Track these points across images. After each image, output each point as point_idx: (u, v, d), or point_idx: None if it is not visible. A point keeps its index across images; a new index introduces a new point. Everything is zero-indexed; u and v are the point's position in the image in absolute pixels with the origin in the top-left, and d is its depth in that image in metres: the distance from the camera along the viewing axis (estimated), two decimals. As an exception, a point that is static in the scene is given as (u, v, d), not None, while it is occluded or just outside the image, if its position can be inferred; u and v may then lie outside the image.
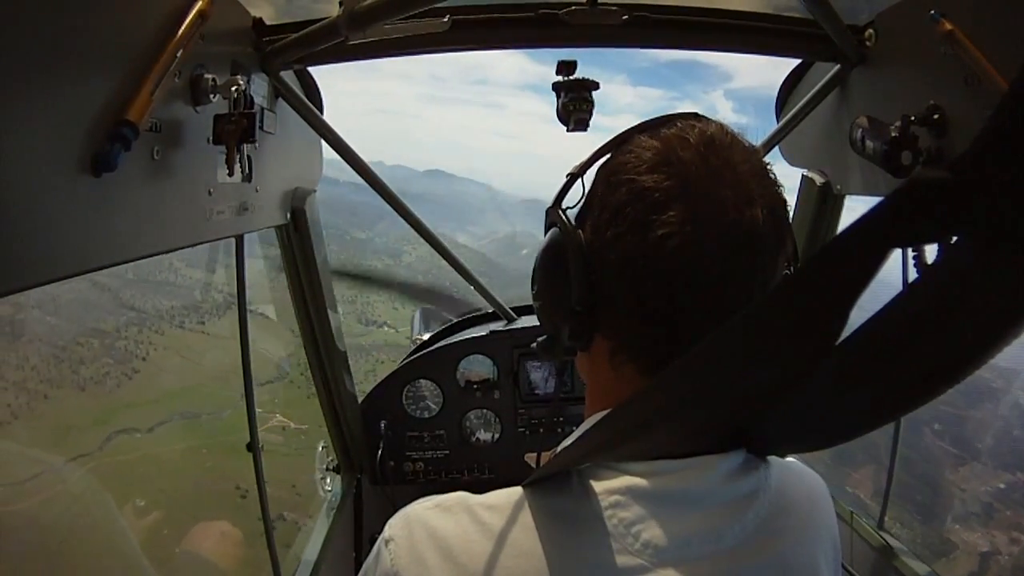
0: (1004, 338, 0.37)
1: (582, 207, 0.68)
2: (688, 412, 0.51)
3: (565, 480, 0.62)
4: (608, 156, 0.66)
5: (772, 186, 0.61)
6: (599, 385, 0.69)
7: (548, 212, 0.70)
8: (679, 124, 0.63)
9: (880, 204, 0.35)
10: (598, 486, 0.60)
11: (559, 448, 0.66)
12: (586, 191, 0.68)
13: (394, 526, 0.66)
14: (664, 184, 0.58)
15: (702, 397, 0.49)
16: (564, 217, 0.67)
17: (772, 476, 0.64)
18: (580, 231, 0.65)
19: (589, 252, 0.63)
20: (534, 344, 0.78)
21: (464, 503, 0.64)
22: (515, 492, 0.63)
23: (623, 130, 0.67)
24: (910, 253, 1.09)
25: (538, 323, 0.75)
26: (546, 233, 0.70)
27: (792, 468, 0.70)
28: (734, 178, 0.58)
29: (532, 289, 0.72)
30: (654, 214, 0.57)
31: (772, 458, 0.66)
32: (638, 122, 0.67)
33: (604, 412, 0.64)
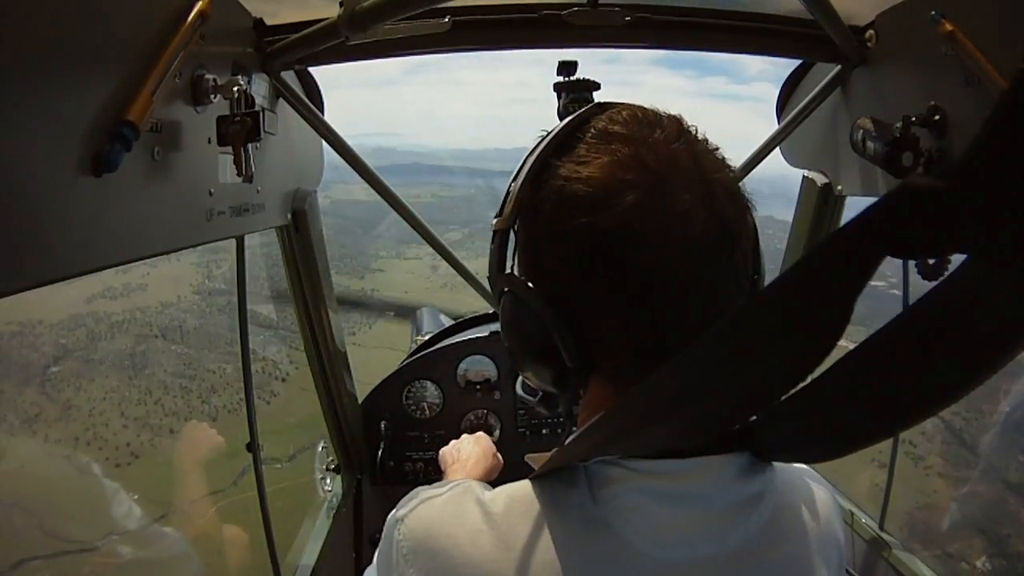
0: (1010, 351, 0.36)
1: (525, 262, 0.64)
2: (685, 408, 0.50)
3: (573, 476, 0.62)
4: (528, 198, 0.62)
5: (719, 169, 0.61)
6: (597, 396, 0.68)
7: (493, 280, 0.66)
8: (595, 141, 0.60)
9: (871, 208, 0.34)
10: (607, 483, 0.60)
11: (566, 443, 0.66)
12: (520, 243, 0.64)
13: (403, 507, 0.66)
14: (621, 217, 0.56)
15: (697, 393, 0.48)
16: (519, 282, 0.63)
17: (777, 479, 0.64)
18: (535, 289, 0.61)
19: (562, 308, 0.60)
20: (530, 405, 0.77)
21: (472, 492, 0.64)
22: (523, 486, 0.63)
23: (530, 161, 0.63)
24: (911, 265, 1.09)
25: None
26: (498, 303, 0.66)
27: (796, 472, 0.70)
28: (686, 181, 0.57)
29: (513, 362, 0.70)
30: (618, 251, 0.56)
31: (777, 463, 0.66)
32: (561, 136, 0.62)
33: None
